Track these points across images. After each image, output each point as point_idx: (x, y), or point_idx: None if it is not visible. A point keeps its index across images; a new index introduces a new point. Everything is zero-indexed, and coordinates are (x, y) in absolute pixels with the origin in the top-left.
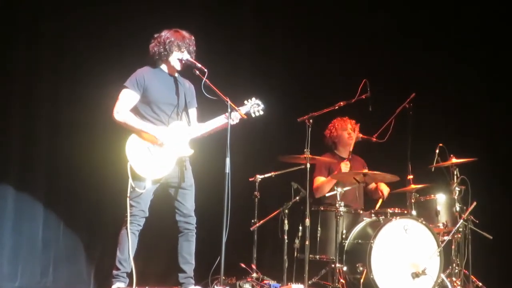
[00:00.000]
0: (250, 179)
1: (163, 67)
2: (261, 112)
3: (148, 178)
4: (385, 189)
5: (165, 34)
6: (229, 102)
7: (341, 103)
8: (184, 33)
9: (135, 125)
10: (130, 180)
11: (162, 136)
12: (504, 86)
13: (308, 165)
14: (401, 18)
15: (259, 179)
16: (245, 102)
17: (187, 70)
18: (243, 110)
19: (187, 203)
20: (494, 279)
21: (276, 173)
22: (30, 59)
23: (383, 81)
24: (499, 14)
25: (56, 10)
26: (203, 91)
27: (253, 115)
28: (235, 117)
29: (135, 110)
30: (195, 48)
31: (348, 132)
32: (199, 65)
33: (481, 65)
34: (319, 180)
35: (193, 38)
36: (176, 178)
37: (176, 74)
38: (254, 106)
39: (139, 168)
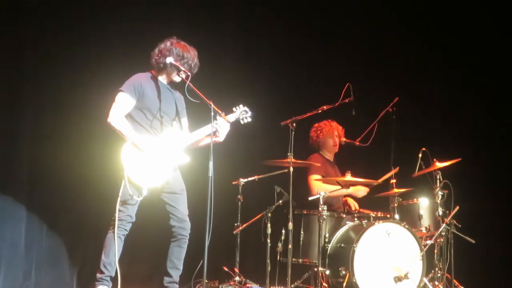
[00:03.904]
0: (234, 183)
1: (160, 74)
2: (249, 119)
3: (145, 186)
4: (353, 205)
5: (181, 47)
6: (212, 105)
7: (324, 107)
8: (192, 50)
9: (128, 135)
10: (128, 187)
11: (151, 150)
12: (487, 90)
13: (291, 169)
14: (385, 22)
15: (242, 183)
16: (234, 109)
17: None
18: (232, 117)
19: (181, 207)
20: (476, 283)
21: (260, 176)
22: (13, 62)
23: (366, 85)
24: (484, 19)
25: (41, 14)
26: (186, 94)
27: (241, 122)
28: (224, 123)
29: (129, 116)
30: (198, 64)
31: (334, 140)
32: (183, 68)
33: (464, 70)
34: (318, 180)
35: (197, 56)
36: (169, 183)
37: (169, 84)
38: (242, 113)
39: (136, 177)
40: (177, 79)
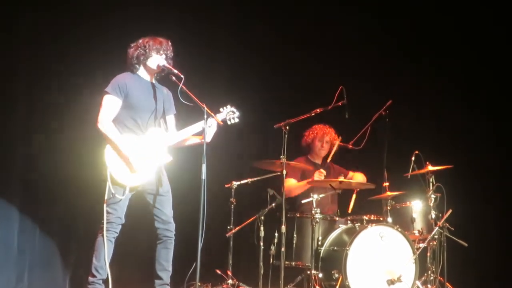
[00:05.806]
0: (226, 186)
1: (141, 72)
2: (237, 120)
3: (127, 185)
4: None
5: (143, 39)
6: (205, 108)
7: (318, 110)
8: (161, 38)
9: (112, 139)
10: (110, 186)
11: (135, 165)
12: (479, 93)
13: (285, 172)
14: (378, 25)
15: (235, 186)
16: (221, 109)
17: (163, 77)
18: (218, 117)
19: (166, 209)
20: (469, 286)
21: (252, 179)
22: (4, 62)
23: (360, 88)
24: (476, 22)
25: (33, 14)
26: (180, 97)
27: (228, 123)
28: (212, 124)
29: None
30: (172, 54)
31: (322, 144)
32: (176, 71)
33: (456, 73)
34: (290, 181)
35: (169, 43)
36: (153, 184)
37: (154, 80)
38: (229, 114)
39: (119, 175)
40: (154, 67)
